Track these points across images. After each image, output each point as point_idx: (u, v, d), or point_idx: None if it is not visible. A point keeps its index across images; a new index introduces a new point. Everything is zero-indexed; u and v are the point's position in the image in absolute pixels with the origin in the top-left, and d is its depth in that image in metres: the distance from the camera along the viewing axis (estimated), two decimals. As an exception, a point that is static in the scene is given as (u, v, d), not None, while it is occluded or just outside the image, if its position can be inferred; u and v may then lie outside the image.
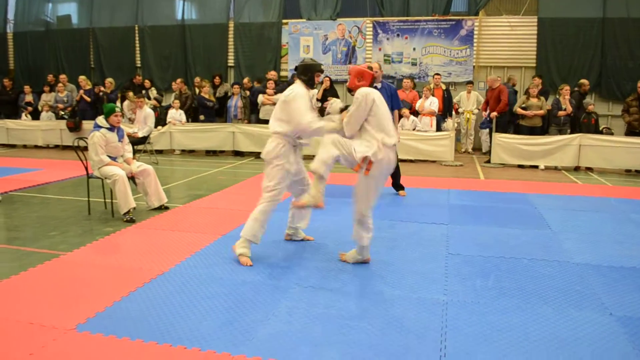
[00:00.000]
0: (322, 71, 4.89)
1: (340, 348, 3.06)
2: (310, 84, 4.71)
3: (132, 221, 6.03)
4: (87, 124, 12.52)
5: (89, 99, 12.80)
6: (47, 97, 13.93)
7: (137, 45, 15.47)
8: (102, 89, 12.83)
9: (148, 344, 3.10)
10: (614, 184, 9.00)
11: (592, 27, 12.52)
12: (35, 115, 13.94)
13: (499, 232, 5.65)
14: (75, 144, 6.64)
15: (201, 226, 5.78)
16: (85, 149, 6.45)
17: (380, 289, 3.99)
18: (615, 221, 6.22)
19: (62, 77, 13.78)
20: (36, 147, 13.49)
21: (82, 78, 12.89)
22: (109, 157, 6.31)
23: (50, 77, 14.35)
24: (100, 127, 6.29)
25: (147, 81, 13.22)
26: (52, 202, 7.15)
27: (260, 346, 3.08)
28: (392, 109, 6.62)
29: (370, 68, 4.67)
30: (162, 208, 6.63)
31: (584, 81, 11.10)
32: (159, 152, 11.91)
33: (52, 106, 13.68)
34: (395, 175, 7.42)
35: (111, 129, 6.33)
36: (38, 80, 15.24)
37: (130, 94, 12.26)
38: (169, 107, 12.55)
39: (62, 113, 13.27)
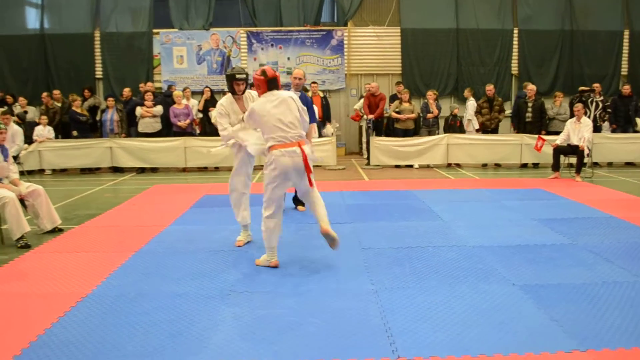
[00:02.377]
0: (236, 79, 5.09)
1: (298, 342, 3.23)
2: (231, 92, 5.15)
3: (27, 246, 5.61)
4: None
5: (-64, 119, 11.45)
6: None
7: (-12, 57, 14.13)
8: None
9: (100, 364, 3.03)
10: (480, 177, 10.09)
11: (448, 37, 13.92)
12: None
13: (399, 225, 6.14)
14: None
15: (109, 245, 5.56)
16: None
17: (311, 286, 4.20)
18: (492, 208, 7.04)
19: None
20: None
21: None
22: (-6, 179, 5.84)
23: None
24: (-18, 147, 5.80)
25: (9, 96, 12.13)
26: None
27: (219, 351, 3.14)
28: None
29: (264, 72, 4.61)
30: (55, 230, 6.24)
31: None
32: (28, 172, 11.01)
33: None
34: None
35: (-6, 148, 5.87)
36: None
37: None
38: (34, 123, 11.65)
39: None
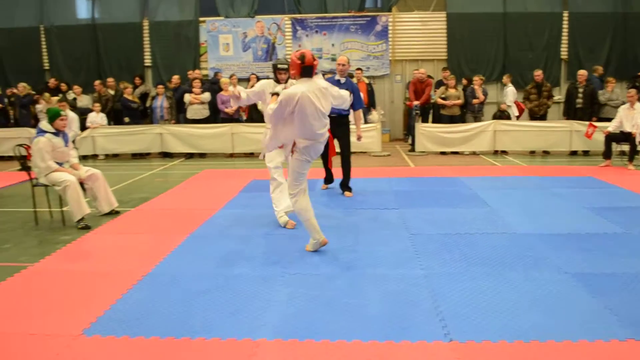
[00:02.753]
0: (278, 68, 5.60)
1: (351, 323, 3.32)
2: (276, 80, 5.60)
3: (87, 228, 5.88)
4: (-5, 132, 11.81)
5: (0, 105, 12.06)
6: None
7: (44, 46, 14.67)
8: (14, 91, 12.09)
9: (166, 340, 3.18)
10: (527, 164, 9.93)
11: (495, 21, 13.64)
12: None
13: (447, 212, 6.14)
14: (16, 152, 6.37)
15: (164, 227, 5.79)
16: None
17: (363, 270, 4.29)
18: (542, 196, 6.95)
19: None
20: None
21: (-11, 84, 12.11)
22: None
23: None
24: (45, 132, 6.07)
25: (63, 84, 12.62)
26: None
27: (276, 329, 3.27)
28: (353, 108, 6.87)
29: (302, 56, 4.51)
30: (112, 213, 6.51)
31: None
32: (83, 157, 11.45)
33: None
34: (344, 175, 7.17)
35: (56, 133, 6.14)
36: None
37: (47, 95, 11.71)
38: (87, 110, 12.07)
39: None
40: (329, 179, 7.51)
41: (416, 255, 4.61)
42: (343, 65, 6.91)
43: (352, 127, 7.19)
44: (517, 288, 3.86)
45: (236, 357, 2.97)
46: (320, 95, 4.55)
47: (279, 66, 5.56)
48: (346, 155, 7.10)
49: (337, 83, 6.82)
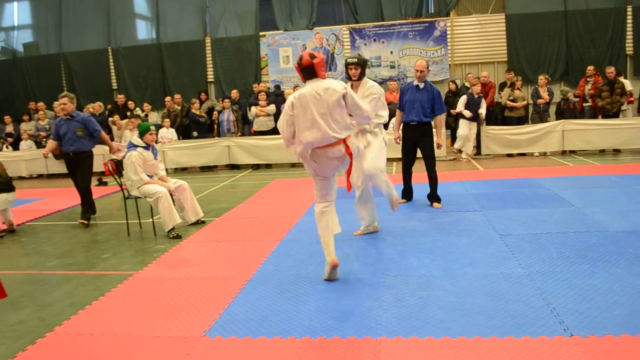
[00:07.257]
0: (349, 63, 5.25)
1: (466, 320, 3.37)
2: (348, 78, 5.37)
3: (178, 237, 6.13)
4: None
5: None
6: (27, 126, 13.70)
7: (112, 67, 15.39)
8: (91, 110, 12.72)
9: (288, 340, 3.31)
10: (600, 164, 9.69)
11: (555, 20, 13.42)
12: (13, 145, 13.67)
13: (531, 212, 6.09)
14: (109, 166, 6.71)
15: (253, 234, 5.98)
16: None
17: (463, 270, 4.32)
18: (625, 194, 6.80)
19: (41, 104, 13.59)
20: (20, 178, 13.18)
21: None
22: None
23: (32, 105, 14.11)
24: (136, 146, 6.39)
25: (130, 102, 13.20)
26: (80, 228, 7.14)
27: (393, 329, 3.35)
28: (434, 114, 6.58)
29: (300, 58, 4.12)
30: (198, 223, 6.76)
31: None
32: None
33: (32, 135, 13.47)
34: (430, 186, 6.82)
35: (146, 147, 6.44)
36: (12, 110, 14.92)
37: (117, 117, 12.33)
38: (157, 126, 12.56)
39: (45, 141, 13.14)
40: (406, 192, 7.08)
41: (512, 255, 4.61)
42: (422, 71, 6.44)
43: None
44: (625, 283, 3.81)
45: (363, 355, 3.06)
46: (318, 99, 4.03)
47: (349, 60, 5.14)
48: (430, 166, 6.71)
49: (416, 89, 6.58)
